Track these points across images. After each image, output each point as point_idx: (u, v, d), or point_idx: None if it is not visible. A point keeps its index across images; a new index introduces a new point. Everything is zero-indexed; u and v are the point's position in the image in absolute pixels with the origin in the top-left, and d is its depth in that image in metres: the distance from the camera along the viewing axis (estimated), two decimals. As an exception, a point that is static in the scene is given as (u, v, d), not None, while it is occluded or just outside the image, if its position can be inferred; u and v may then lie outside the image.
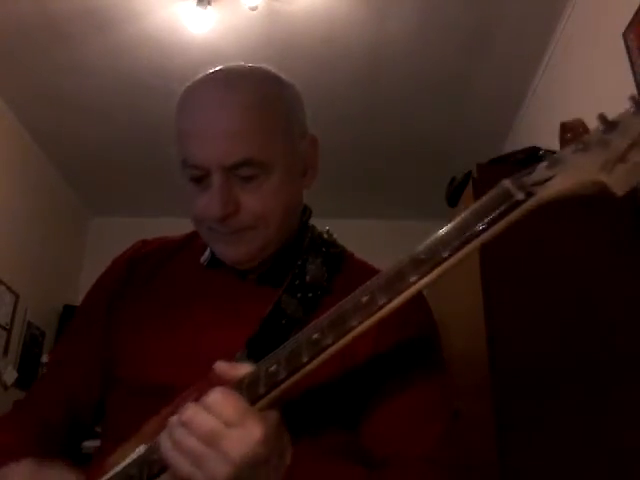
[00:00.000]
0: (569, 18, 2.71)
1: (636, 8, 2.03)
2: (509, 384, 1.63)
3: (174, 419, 0.62)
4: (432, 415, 0.82)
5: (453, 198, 2.20)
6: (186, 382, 0.77)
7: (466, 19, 2.86)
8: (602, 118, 0.53)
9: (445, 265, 0.56)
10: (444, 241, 0.57)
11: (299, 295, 0.83)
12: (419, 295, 0.60)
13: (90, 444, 0.90)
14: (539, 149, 2.02)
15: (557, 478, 1.54)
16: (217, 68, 0.87)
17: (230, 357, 0.79)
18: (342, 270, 0.88)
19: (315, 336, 0.60)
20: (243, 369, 0.64)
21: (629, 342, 1.65)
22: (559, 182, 0.54)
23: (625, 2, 2.10)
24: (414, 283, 0.57)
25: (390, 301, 0.57)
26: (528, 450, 1.56)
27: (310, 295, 0.83)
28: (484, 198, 0.57)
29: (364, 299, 0.58)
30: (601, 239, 1.75)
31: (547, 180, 0.54)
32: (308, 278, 0.85)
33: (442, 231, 0.58)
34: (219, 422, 0.59)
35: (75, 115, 3.58)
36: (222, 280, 0.88)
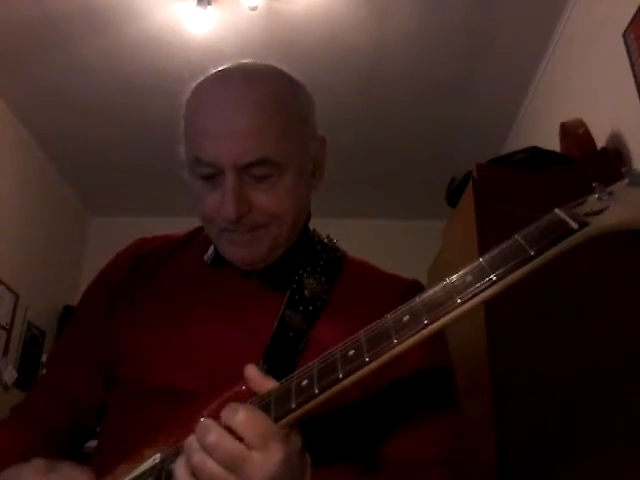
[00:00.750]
0: (569, 18, 2.71)
1: (636, 8, 2.03)
2: (509, 384, 1.63)
3: (192, 442, 0.60)
4: (444, 421, 0.82)
5: (453, 198, 2.20)
6: (188, 383, 0.76)
7: (466, 20, 2.86)
8: None
9: (498, 285, 0.55)
10: (494, 265, 0.55)
11: (301, 309, 0.83)
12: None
13: (93, 444, 0.89)
14: (539, 149, 2.02)
15: (556, 479, 1.54)
16: (230, 65, 0.85)
17: (232, 358, 0.79)
18: (341, 278, 0.88)
19: (351, 353, 0.59)
20: (272, 383, 0.63)
21: (631, 342, 1.64)
22: (613, 214, 0.54)
23: (625, 2, 2.10)
24: (480, 291, 0.55)
25: (443, 315, 0.56)
26: (528, 450, 1.56)
27: (311, 308, 0.83)
28: (534, 225, 0.56)
29: (405, 319, 0.57)
30: (603, 241, 1.75)
31: (600, 211, 0.54)
32: (307, 293, 0.84)
33: (487, 255, 0.56)
34: (243, 447, 0.58)
35: (75, 115, 3.58)
36: (226, 279, 0.88)
